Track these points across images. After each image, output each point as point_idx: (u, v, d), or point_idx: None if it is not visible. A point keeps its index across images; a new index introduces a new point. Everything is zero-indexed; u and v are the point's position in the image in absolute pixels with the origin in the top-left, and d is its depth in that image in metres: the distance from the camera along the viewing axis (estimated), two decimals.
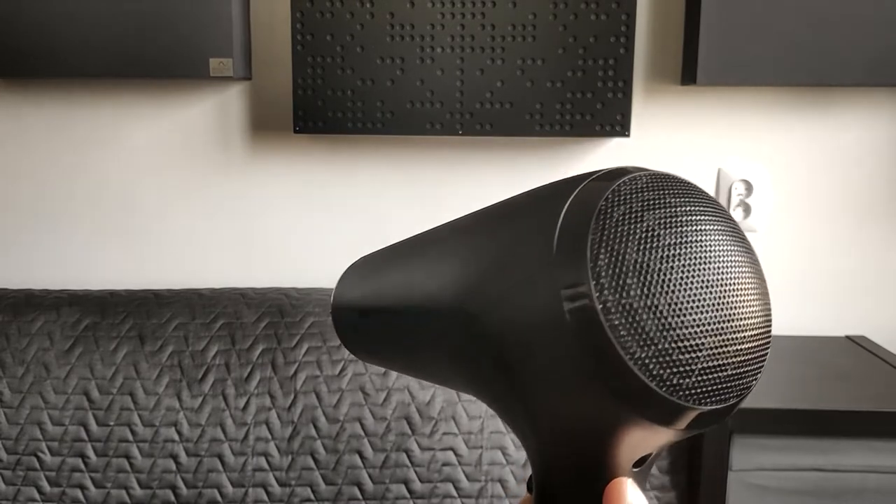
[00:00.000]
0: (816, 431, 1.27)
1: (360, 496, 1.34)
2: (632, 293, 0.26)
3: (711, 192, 1.58)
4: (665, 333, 0.26)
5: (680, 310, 0.27)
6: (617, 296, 0.26)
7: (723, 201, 1.58)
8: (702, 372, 0.27)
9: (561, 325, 0.27)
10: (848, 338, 1.59)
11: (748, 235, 1.57)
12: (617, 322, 0.26)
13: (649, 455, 0.31)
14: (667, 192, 0.29)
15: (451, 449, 1.34)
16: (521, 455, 1.34)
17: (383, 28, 1.46)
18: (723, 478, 1.27)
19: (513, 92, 1.47)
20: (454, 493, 1.34)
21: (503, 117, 1.48)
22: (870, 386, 1.36)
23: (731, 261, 0.28)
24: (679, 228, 0.28)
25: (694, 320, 0.27)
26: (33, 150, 1.61)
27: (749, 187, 1.57)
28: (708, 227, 0.29)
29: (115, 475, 1.35)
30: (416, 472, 1.34)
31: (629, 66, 1.47)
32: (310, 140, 1.57)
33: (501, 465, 1.34)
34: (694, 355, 0.27)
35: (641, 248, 0.27)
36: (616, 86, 1.47)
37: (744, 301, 0.28)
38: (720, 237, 0.29)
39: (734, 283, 0.28)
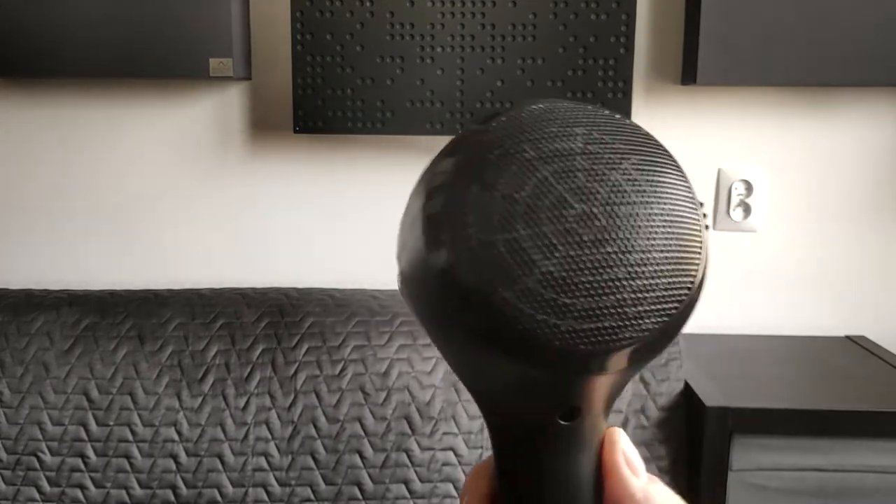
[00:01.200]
0: (817, 431, 1.26)
1: (360, 496, 1.33)
2: (490, 229, 0.25)
3: (711, 193, 1.58)
4: (527, 269, 0.25)
5: (540, 245, 0.26)
6: (474, 231, 0.26)
7: (723, 201, 1.58)
8: (570, 309, 0.25)
9: (429, 267, 0.27)
10: (848, 337, 1.58)
11: (748, 236, 1.58)
12: (475, 259, 0.25)
13: (578, 408, 0.29)
14: (543, 124, 0.27)
15: (452, 449, 1.34)
16: None
17: (383, 27, 1.46)
18: (723, 478, 1.27)
19: (513, 91, 1.47)
20: (454, 493, 1.34)
21: None
22: (870, 386, 1.35)
23: (610, 194, 0.26)
24: (540, 162, 0.27)
25: (558, 255, 0.26)
26: (32, 150, 1.61)
27: (749, 187, 1.57)
28: (586, 163, 0.27)
29: (114, 475, 1.35)
30: (416, 472, 1.34)
31: (629, 66, 1.47)
32: (310, 140, 1.57)
33: None
34: (558, 292, 0.25)
35: (507, 184, 0.26)
36: (616, 85, 1.47)
37: (629, 236, 0.26)
38: (599, 168, 0.27)
39: (612, 217, 0.26)
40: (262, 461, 1.34)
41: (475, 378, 0.30)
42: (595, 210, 0.26)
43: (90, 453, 1.35)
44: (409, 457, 1.34)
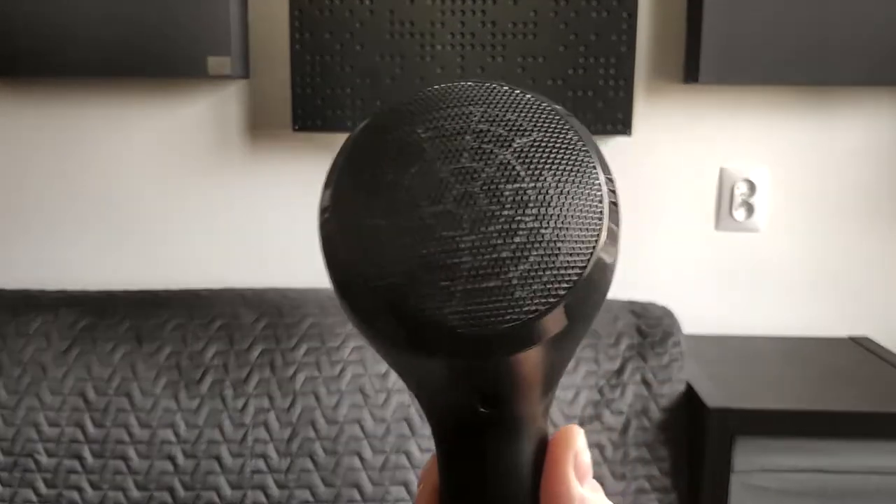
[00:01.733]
0: (819, 433, 1.26)
1: (359, 498, 1.33)
2: (373, 214, 0.26)
3: (714, 192, 1.57)
4: (407, 254, 0.25)
5: (418, 228, 0.25)
6: (354, 218, 0.26)
7: (725, 201, 1.57)
8: (450, 293, 0.25)
9: (324, 256, 0.27)
10: (851, 338, 1.58)
11: (751, 235, 1.57)
12: (343, 243, 0.26)
13: (494, 395, 0.28)
14: (439, 103, 0.27)
15: None
16: None
17: (383, 25, 1.45)
18: (725, 479, 1.26)
19: None
20: None
21: None
22: (873, 387, 1.35)
23: (496, 172, 0.26)
24: (394, 150, 0.27)
25: (435, 238, 0.25)
26: (29, 149, 1.60)
27: (752, 187, 1.56)
28: (474, 142, 0.26)
29: (111, 477, 1.34)
30: (415, 473, 1.33)
31: (631, 64, 1.46)
32: (309, 138, 1.56)
33: None
34: (437, 275, 0.25)
35: (393, 169, 0.26)
36: (617, 84, 1.46)
37: (514, 215, 0.25)
38: (487, 146, 0.26)
39: (494, 197, 0.25)
40: (261, 463, 1.33)
41: (390, 364, 0.30)
42: (475, 190, 0.25)
43: (87, 455, 1.34)
44: (408, 459, 1.33)
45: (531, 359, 0.26)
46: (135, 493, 1.33)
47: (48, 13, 1.42)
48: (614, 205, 0.26)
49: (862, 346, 1.53)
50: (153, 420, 1.34)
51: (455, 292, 0.25)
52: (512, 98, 0.27)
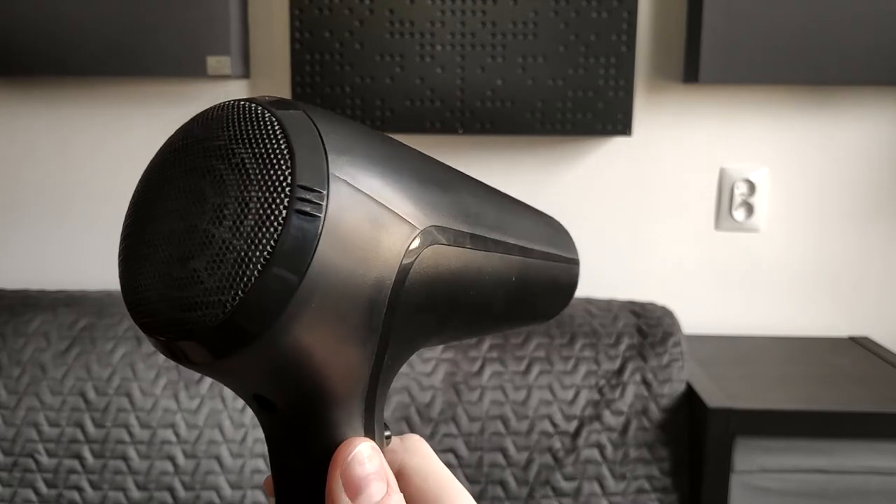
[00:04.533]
0: (820, 433, 1.26)
1: None
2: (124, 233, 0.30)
3: (714, 192, 1.57)
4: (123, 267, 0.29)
5: (129, 246, 0.29)
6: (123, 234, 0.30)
7: (725, 201, 1.57)
8: (138, 305, 0.28)
9: None
10: (851, 338, 1.58)
11: (751, 235, 1.57)
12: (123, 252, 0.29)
13: (266, 398, 0.30)
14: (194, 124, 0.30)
15: (452, 451, 1.33)
16: (521, 457, 1.33)
17: (382, 25, 1.45)
18: (725, 480, 1.26)
19: (513, 90, 1.46)
20: None
21: (504, 116, 1.47)
22: (873, 387, 1.35)
23: (158, 193, 0.29)
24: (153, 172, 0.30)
25: (123, 255, 0.29)
26: (27, 149, 1.60)
27: (751, 187, 1.56)
28: (172, 168, 0.29)
29: (112, 477, 1.34)
30: None
31: (631, 64, 1.46)
32: None
33: (502, 468, 1.33)
34: (128, 290, 0.29)
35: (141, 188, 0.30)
36: (618, 84, 1.46)
37: (168, 232, 0.28)
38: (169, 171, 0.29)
39: (154, 218, 0.28)
40: (261, 463, 1.33)
41: None
42: (182, 206, 0.28)
43: (87, 455, 1.34)
44: None
45: (266, 359, 0.27)
46: (135, 493, 1.33)
47: (48, 13, 1.42)
48: (303, 212, 0.26)
49: (862, 346, 1.53)
50: (153, 420, 1.34)
51: (173, 301, 0.27)
52: (248, 114, 0.28)
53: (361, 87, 1.47)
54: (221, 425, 1.34)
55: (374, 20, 1.45)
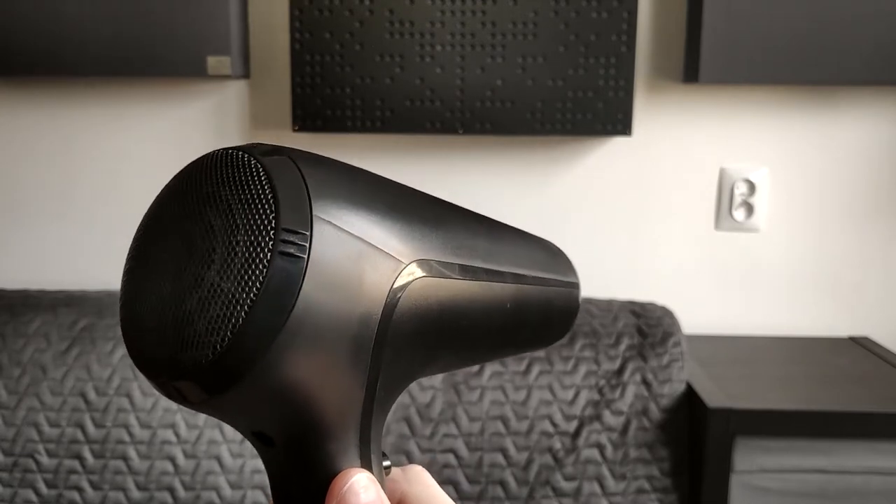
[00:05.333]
0: (819, 433, 1.26)
1: None
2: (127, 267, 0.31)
3: (714, 192, 1.57)
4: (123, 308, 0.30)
5: (128, 290, 0.30)
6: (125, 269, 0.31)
7: (725, 201, 1.57)
8: (136, 346, 0.29)
9: None
10: (851, 338, 1.58)
11: (751, 235, 1.57)
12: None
13: (265, 434, 0.31)
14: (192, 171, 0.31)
15: (452, 451, 1.33)
16: (521, 457, 1.33)
17: (382, 25, 1.45)
18: (725, 480, 1.26)
19: (513, 90, 1.46)
20: (455, 494, 1.33)
21: (504, 116, 1.47)
22: (873, 387, 1.35)
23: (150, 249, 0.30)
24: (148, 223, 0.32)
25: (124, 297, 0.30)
26: (28, 149, 1.60)
27: (751, 187, 1.56)
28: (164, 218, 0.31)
29: (112, 477, 1.34)
30: None
31: (631, 65, 1.46)
32: (309, 138, 1.56)
33: (502, 468, 1.33)
34: (126, 328, 0.30)
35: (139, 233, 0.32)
36: (618, 84, 1.46)
37: (161, 282, 0.29)
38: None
39: (155, 265, 0.29)
40: (261, 463, 1.33)
41: None
42: (177, 250, 0.29)
43: (87, 455, 1.34)
44: (408, 459, 1.33)
45: (259, 396, 0.28)
46: (135, 494, 1.33)
47: (48, 13, 1.42)
48: (286, 254, 0.27)
49: (862, 346, 1.53)
50: (153, 420, 1.34)
51: (167, 341, 0.28)
52: (238, 162, 0.29)
53: (361, 87, 1.47)
54: (221, 425, 1.34)
55: (374, 21, 1.45)
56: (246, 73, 1.52)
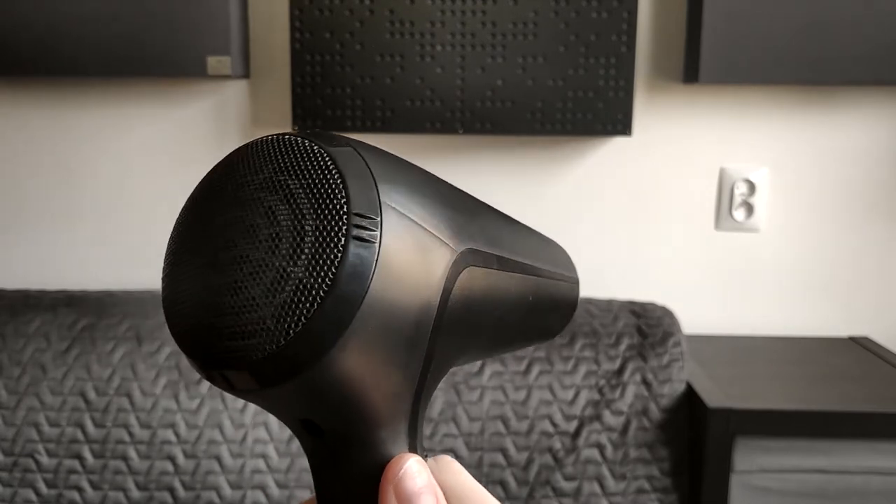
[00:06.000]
0: (819, 433, 1.26)
1: None
2: (172, 261, 0.30)
3: (714, 192, 1.57)
4: (168, 296, 0.29)
5: (175, 274, 0.29)
6: (166, 264, 0.30)
7: (725, 201, 1.57)
8: (178, 329, 0.28)
9: None
10: (851, 338, 1.58)
11: (751, 235, 1.57)
12: (164, 286, 0.30)
13: (313, 423, 0.30)
14: (246, 158, 0.29)
15: (452, 451, 1.33)
16: (521, 457, 1.33)
17: (383, 25, 1.45)
18: (725, 480, 1.26)
19: (514, 90, 1.46)
20: None
21: (504, 116, 1.47)
22: (873, 387, 1.35)
23: (224, 227, 0.28)
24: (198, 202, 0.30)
25: (189, 281, 0.29)
26: (28, 149, 1.60)
27: (751, 187, 1.56)
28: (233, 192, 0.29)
29: (112, 477, 1.34)
30: None
31: (631, 65, 1.46)
32: None
33: (502, 468, 1.33)
34: (178, 314, 0.29)
35: (197, 218, 0.30)
36: (618, 84, 1.46)
37: (246, 255, 0.27)
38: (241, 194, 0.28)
39: (227, 245, 0.28)
40: (261, 463, 1.33)
41: None
42: (237, 237, 0.28)
43: (87, 455, 1.34)
44: None
45: (319, 386, 0.28)
46: (135, 494, 1.33)
47: (48, 13, 1.42)
48: (360, 239, 0.27)
49: (862, 346, 1.53)
50: (153, 420, 1.34)
51: (222, 330, 0.27)
52: (295, 148, 0.28)
53: (361, 87, 1.47)
54: (221, 425, 1.34)
55: (375, 20, 1.45)
56: (246, 73, 1.52)
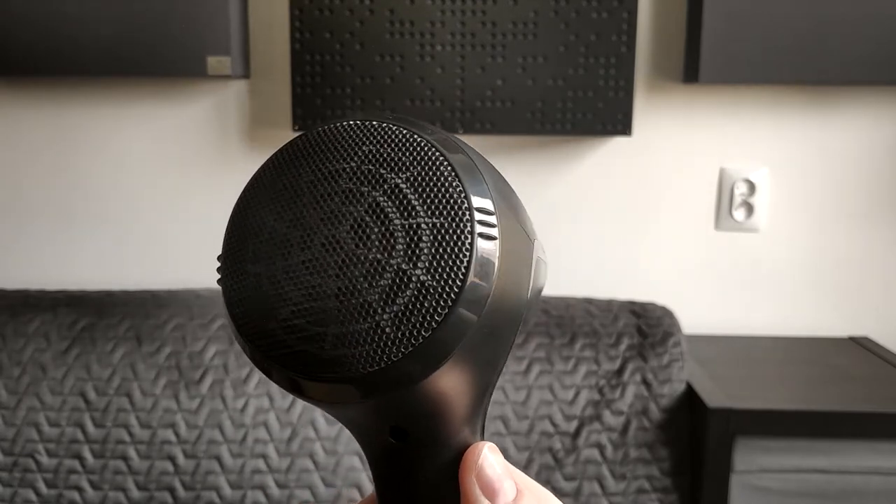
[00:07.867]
0: (820, 433, 1.26)
1: (359, 498, 1.32)
2: (236, 260, 0.26)
3: (714, 192, 1.57)
4: (280, 302, 0.25)
5: (290, 276, 0.25)
6: (229, 262, 0.26)
7: (725, 201, 1.57)
8: (320, 337, 0.25)
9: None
10: (851, 338, 1.58)
11: (751, 235, 1.57)
12: (229, 290, 0.26)
13: (401, 428, 0.28)
14: (331, 142, 0.26)
15: None
16: (521, 457, 1.33)
17: (383, 25, 1.45)
18: (725, 480, 1.26)
19: (514, 90, 1.46)
20: None
21: (504, 116, 1.47)
22: (873, 387, 1.35)
23: (364, 215, 0.25)
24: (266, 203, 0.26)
25: (303, 285, 0.25)
26: (28, 149, 1.60)
27: (751, 187, 1.56)
28: (349, 184, 0.25)
29: (112, 477, 1.34)
30: None
31: (631, 65, 1.46)
32: None
33: None
34: (306, 321, 0.25)
35: (274, 213, 0.26)
36: (618, 84, 1.46)
37: (380, 258, 0.24)
38: (361, 188, 0.25)
39: (361, 240, 0.25)
40: (261, 463, 1.33)
41: None
42: (342, 233, 0.25)
43: (87, 455, 1.34)
44: None
45: (425, 392, 0.26)
46: (135, 493, 1.33)
47: (48, 13, 1.42)
48: (485, 236, 0.25)
49: (862, 346, 1.53)
50: (153, 420, 1.34)
51: (325, 338, 0.24)
52: (390, 136, 0.26)
53: (361, 87, 1.47)
54: (221, 425, 1.34)
55: (375, 20, 1.45)
56: (246, 73, 1.52)
